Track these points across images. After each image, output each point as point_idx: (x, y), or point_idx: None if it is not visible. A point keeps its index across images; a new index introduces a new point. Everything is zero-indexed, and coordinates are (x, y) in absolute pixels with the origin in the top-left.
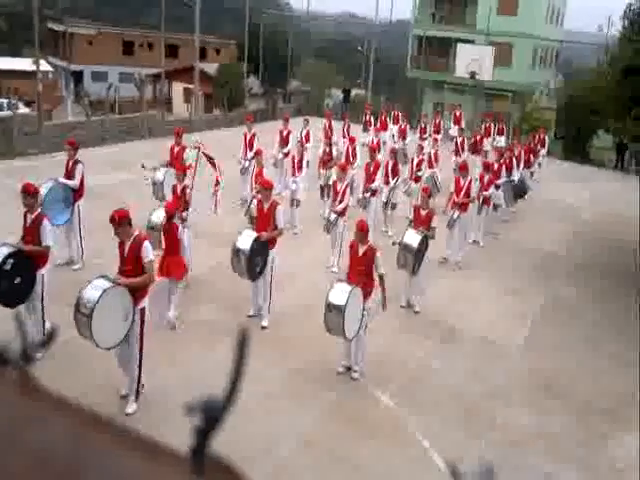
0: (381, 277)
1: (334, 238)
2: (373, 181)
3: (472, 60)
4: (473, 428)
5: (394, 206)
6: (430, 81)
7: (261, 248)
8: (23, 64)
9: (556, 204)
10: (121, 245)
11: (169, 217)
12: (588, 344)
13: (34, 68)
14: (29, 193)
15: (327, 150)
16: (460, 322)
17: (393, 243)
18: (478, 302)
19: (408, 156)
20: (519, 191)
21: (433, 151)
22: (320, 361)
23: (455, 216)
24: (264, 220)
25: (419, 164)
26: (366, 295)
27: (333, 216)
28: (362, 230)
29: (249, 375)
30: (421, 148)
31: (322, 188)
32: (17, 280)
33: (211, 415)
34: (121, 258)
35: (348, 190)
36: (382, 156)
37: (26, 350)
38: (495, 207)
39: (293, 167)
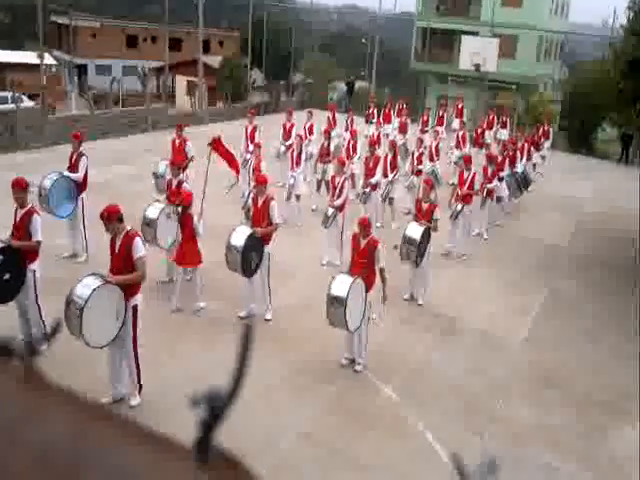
0: (381, 270)
1: (332, 233)
2: (373, 175)
3: (476, 52)
4: (474, 421)
5: (391, 200)
6: (434, 73)
7: (256, 244)
8: (27, 57)
9: (559, 196)
10: (112, 241)
11: (185, 208)
12: (588, 337)
13: (38, 61)
14: (20, 188)
15: (325, 144)
16: (461, 315)
17: (395, 247)
18: (479, 295)
19: (409, 150)
20: (522, 183)
21: (434, 144)
22: (321, 354)
23: (458, 208)
24: (259, 215)
25: (420, 158)
26: (368, 287)
27: (331, 211)
28: (364, 225)
29: (250, 369)
30: (421, 141)
31: (319, 182)
32: (6, 276)
33: (215, 408)
34: (112, 255)
35: (346, 184)
36: (382, 150)
37: (31, 343)
38: (498, 199)
39: (292, 161)
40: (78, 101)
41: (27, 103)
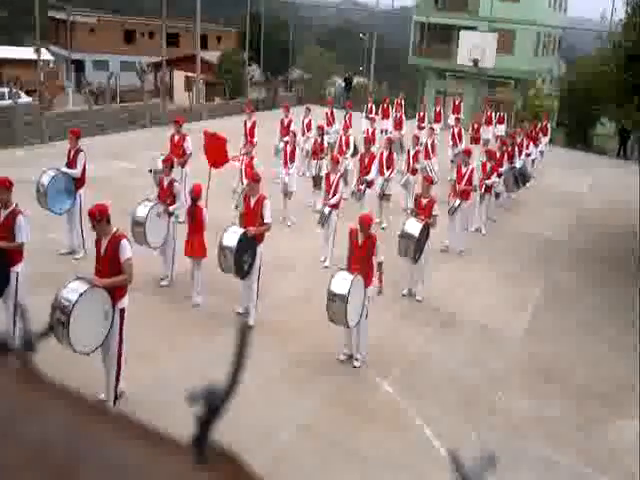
0: (379, 264)
1: (327, 232)
2: (368, 173)
3: (474, 47)
4: (473, 414)
5: (388, 197)
6: (432, 68)
7: (249, 244)
8: (24, 53)
9: (558, 191)
10: (98, 243)
11: (194, 200)
12: (587, 330)
13: (35, 57)
14: (4, 187)
15: (319, 140)
16: (460, 309)
17: (382, 228)
18: (478, 289)
19: (405, 147)
20: (521, 179)
21: (430, 141)
22: (319, 348)
23: (457, 204)
24: (251, 214)
25: (415, 155)
26: (367, 283)
27: (327, 209)
28: (367, 224)
29: (248, 363)
30: (417, 139)
31: (314, 179)
32: None
33: (213, 404)
34: (97, 256)
35: (341, 182)
36: (377, 147)
37: (28, 339)
38: (497, 195)
39: (285, 158)
40: (75, 97)
41: (24, 99)
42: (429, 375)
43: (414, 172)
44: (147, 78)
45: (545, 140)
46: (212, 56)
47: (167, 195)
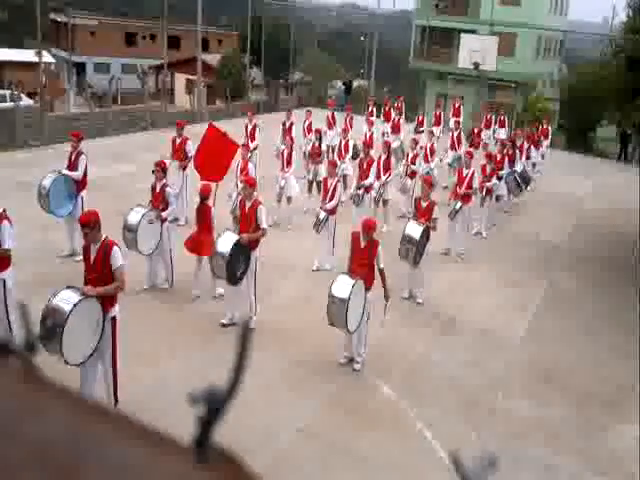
0: (381, 271)
1: (324, 237)
2: (366, 177)
3: (475, 50)
4: (473, 418)
5: (385, 202)
6: (433, 72)
7: (242, 250)
8: (25, 55)
9: (558, 195)
10: (87, 250)
11: (203, 198)
12: (588, 335)
13: (36, 59)
14: None
15: (316, 144)
16: (460, 313)
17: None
18: (479, 293)
19: (405, 152)
20: (522, 182)
21: (429, 145)
22: (320, 352)
23: (457, 207)
24: (246, 220)
25: (414, 159)
26: (367, 287)
27: (323, 214)
28: (368, 230)
29: (249, 366)
30: (415, 142)
31: (310, 183)
32: None
33: (214, 405)
34: (87, 264)
35: (339, 187)
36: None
37: (30, 340)
38: (497, 198)
39: (282, 162)
40: (76, 99)
41: (25, 101)
42: (429, 377)
43: (412, 175)
44: (148, 81)
45: (546, 143)
46: (213, 59)
47: (160, 201)
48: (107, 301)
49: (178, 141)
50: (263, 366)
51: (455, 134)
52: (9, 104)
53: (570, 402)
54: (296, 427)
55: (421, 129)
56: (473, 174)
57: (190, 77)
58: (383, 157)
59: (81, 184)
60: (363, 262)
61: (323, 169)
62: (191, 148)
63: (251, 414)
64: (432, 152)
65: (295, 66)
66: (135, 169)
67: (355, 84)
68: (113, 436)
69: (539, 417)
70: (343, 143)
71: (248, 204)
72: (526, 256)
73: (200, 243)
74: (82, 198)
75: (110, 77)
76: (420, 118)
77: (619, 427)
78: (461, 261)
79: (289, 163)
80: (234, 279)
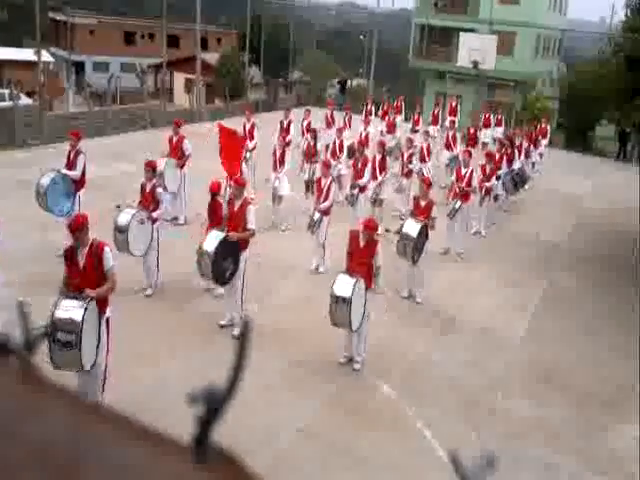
0: (378, 267)
1: (318, 238)
2: (361, 177)
3: (474, 49)
4: (473, 418)
5: (381, 202)
6: (432, 71)
7: (230, 250)
8: (24, 54)
9: (558, 194)
10: (72, 253)
11: (213, 195)
12: (588, 335)
13: (35, 58)
14: None
15: (312, 144)
16: (460, 313)
17: (387, 230)
18: (478, 293)
19: (401, 151)
20: (519, 181)
21: (425, 145)
22: (320, 352)
23: (457, 206)
24: (235, 220)
25: (409, 158)
26: (367, 286)
27: (317, 215)
28: (370, 230)
29: (249, 366)
30: (411, 141)
31: (306, 183)
32: None
33: (213, 405)
34: (72, 267)
35: (333, 187)
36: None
37: (29, 339)
38: (496, 197)
39: (275, 162)
40: (75, 98)
41: (24, 100)
42: (429, 377)
43: (408, 175)
44: (147, 80)
45: (544, 142)
46: (212, 58)
47: (150, 201)
48: (102, 303)
49: (175, 139)
50: (263, 366)
51: (450, 134)
52: (8, 103)
53: (570, 402)
54: (296, 427)
55: (417, 128)
56: (472, 173)
57: (189, 76)
58: (378, 157)
59: (79, 183)
60: (362, 261)
61: (319, 169)
62: (188, 146)
63: (251, 414)
64: (428, 152)
65: (294, 65)
66: (134, 168)
67: (354, 83)
68: (113, 436)
69: (539, 417)
70: (338, 143)
71: (237, 204)
72: (526, 255)
73: None
74: (80, 197)
75: (109, 76)
76: (416, 117)
77: (619, 427)
78: (460, 260)
79: (282, 163)
80: (222, 279)
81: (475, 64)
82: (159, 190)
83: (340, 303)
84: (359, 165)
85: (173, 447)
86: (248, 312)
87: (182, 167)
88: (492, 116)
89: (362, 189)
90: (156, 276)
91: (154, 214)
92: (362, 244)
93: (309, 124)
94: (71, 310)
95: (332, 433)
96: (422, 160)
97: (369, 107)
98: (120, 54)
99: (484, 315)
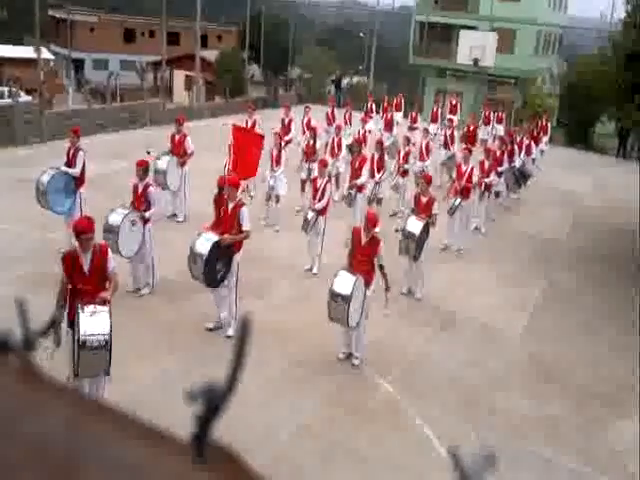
0: (381, 267)
1: (313, 238)
2: (359, 176)
3: (475, 46)
4: (473, 414)
5: (379, 201)
6: (433, 68)
7: (223, 253)
8: (24, 52)
9: (558, 191)
10: (74, 259)
11: (220, 189)
12: (587, 331)
13: (35, 56)
14: None
15: (310, 142)
16: (460, 308)
17: (396, 230)
18: (478, 289)
19: (398, 149)
20: (521, 177)
21: (424, 143)
22: (319, 348)
23: (457, 203)
24: (228, 221)
25: (405, 156)
26: (367, 283)
27: (311, 215)
28: (372, 223)
29: (249, 363)
30: (408, 140)
31: (304, 182)
32: None
33: (212, 402)
34: (76, 273)
35: (329, 187)
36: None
37: (28, 337)
38: (497, 194)
39: (271, 160)
40: (75, 95)
41: (24, 98)
42: (429, 375)
43: (404, 174)
44: (147, 77)
45: (545, 139)
46: (212, 55)
47: (142, 201)
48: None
49: (177, 137)
50: (262, 364)
51: (448, 132)
52: (8, 101)
53: (570, 399)
54: (296, 425)
55: (414, 126)
56: (472, 170)
57: (189, 73)
58: (376, 155)
59: (79, 181)
60: (364, 259)
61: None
62: (191, 144)
63: (250, 412)
64: (427, 150)
65: (294, 62)
66: (134, 166)
67: (354, 80)
68: (113, 435)
69: (539, 415)
70: (336, 141)
71: (231, 205)
72: (526, 253)
73: (222, 234)
74: (81, 195)
75: (109, 73)
76: (413, 115)
77: (619, 425)
78: (460, 258)
79: (278, 162)
80: (214, 282)
81: (475, 61)
82: (152, 190)
83: (339, 300)
84: (356, 164)
85: (173, 446)
86: (247, 310)
87: (183, 165)
88: (492, 114)
89: (360, 188)
90: (153, 276)
91: (146, 214)
92: (364, 241)
93: (309, 121)
94: (97, 323)
95: (332, 431)
96: (421, 159)
97: (370, 105)
98: (120, 51)
99: (484, 313)
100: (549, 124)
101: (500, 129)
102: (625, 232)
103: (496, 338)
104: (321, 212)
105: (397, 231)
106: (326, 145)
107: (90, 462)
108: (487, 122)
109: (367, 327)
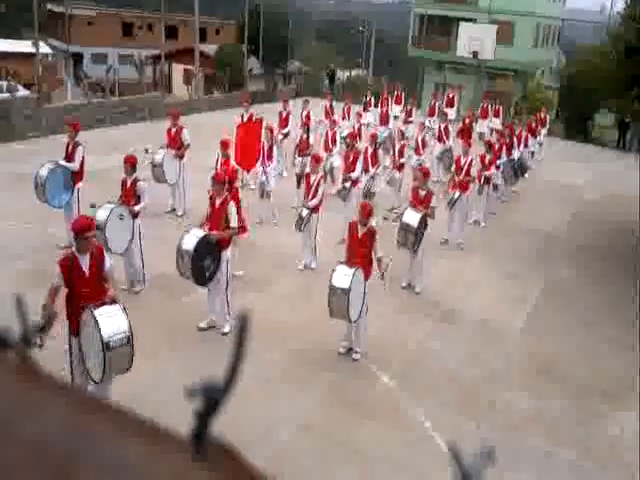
0: (379, 260)
1: (306, 235)
2: (353, 170)
3: (474, 39)
4: (472, 411)
5: (372, 195)
6: (432, 61)
7: (210, 249)
8: (22, 46)
9: (557, 184)
10: (73, 262)
11: (230, 182)
12: (587, 327)
13: (33, 50)
14: None
15: (304, 136)
16: (460, 304)
17: (393, 220)
18: (478, 284)
19: (393, 143)
20: (519, 170)
21: (420, 137)
22: (319, 344)
23: (456, 196)
24: (216, 217)
25: (401, 150)
26: (366, 276)
27: (305, 212)
28: (366, 215)
29: (248, 359)
30: (402, 133)
31: (298, 177)
32: None
33: (212, 399)
34: (78, 277)
35: (322, 183)
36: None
37: (27, 334)
38: (495, 187)
39: (263, 156)
40: (74, 90)
41: (22, 92)
42: (429, 369)
43: (400, 168)
44: (146, 71)
45: (543, 132)
46: (211, 49)
47: (131, 196)
48: None
49: (173, 130)
50: (262, 360)
51: (442, 126)
52: (6, 95)
53: (569, 394)
54: (296, 420)
55: (410, 120)
56: (471, 162)
57: (188, 67)
58: (370, 150)
59: (78, 175)
60: (361, 252)
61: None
62: (187, 137)
63: (250, 410)
64: (423, 144)
65: (293, 56)
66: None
67: (353, 74)
68: (112, 435)
69: (538, 409)
70: (330, 134)
71: (218, 201)
72: (525, 246)
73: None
74: (79, 189)
75: (107, 67)
76: (409, 108)
77: (618, 418)
78: (460, 251)
79: (269, 157)
80: (202, 280)
81: (475, 54)
82: (141, 184)
83: (339, 294)
84: (350, 158)
85: (173, 444)
86: (246, 306)
87: (181, 158)
88: (490, 107)
89: (354, 183)
90: (142, 272)
91: (136, 208)
92: (360, 234)
93: (308, 114)
94: (117, 325)
95: (332, 425)
96: (417, 152)
97: (369, 98)
98: (118, 45)
99: (483, 306)
100: (548, 117)
101: (497, 122)
102: (625, 224)
103: (496, 332)
104: (314, 209)
105: (385, 219)
106: (320, 137)
107: (89, 462)
108: (484, 115)
109: (367, 321)
